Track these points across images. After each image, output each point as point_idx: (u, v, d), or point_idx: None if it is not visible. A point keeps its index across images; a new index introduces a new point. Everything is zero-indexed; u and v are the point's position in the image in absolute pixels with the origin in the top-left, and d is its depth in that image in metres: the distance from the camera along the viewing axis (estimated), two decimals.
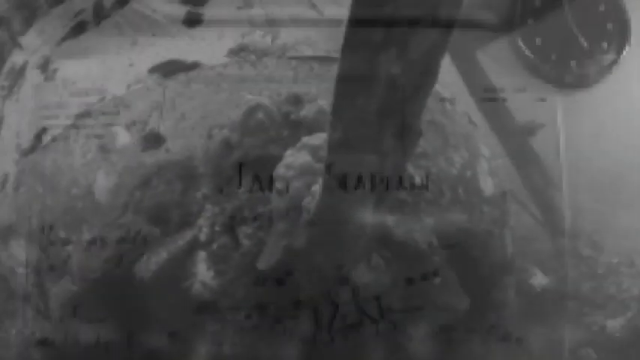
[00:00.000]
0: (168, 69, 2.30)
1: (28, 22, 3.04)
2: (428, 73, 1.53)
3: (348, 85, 1.44)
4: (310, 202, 1.75)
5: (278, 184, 1.87)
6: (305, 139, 1.91)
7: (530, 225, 3.99)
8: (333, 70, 2.31)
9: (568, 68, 3.06)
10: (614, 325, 4.32)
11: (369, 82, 1.44)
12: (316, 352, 2.10)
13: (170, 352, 2.27)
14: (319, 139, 1.88)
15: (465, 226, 2.28)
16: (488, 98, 2.50)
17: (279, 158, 1.98)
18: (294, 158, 1.85)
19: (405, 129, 1.62)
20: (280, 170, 1.87)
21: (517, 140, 4.66)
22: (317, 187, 1.75)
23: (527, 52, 3.09)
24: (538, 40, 2.81)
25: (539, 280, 4.59)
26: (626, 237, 5.93)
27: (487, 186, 2.38)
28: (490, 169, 2.43)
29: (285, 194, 1.84)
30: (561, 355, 4.57)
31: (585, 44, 2.99)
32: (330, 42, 2.36)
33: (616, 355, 4.37)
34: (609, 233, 5.51)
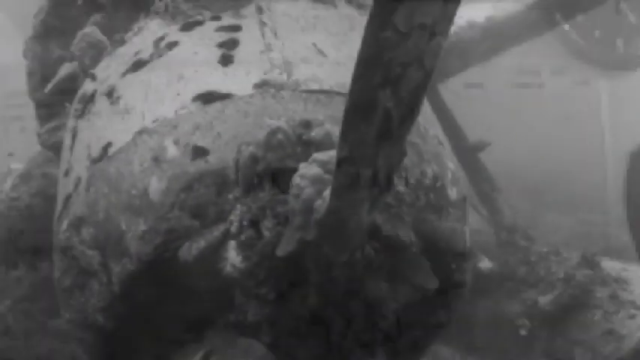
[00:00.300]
0: (207, 98, 2.23)
1: (96, 59, 3.01)
2: (413, 106, 1.53)
3: (354, 115, 1.43)
4: (321, 205, 1.72)
5: (294, 190, 1.80)
6: (315, 155, 1.85)
7: (479, 222, 3.99)
8: (335, 101, 2.30)
9: (614, 47, 2.77)
10: (544, 300, 4.31)
11: (370, 113, 1.43)
12: None
13: (205, 319, 2.25)
14: (327, 155, 1.81)
15: (435, 224, 2.28)
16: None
17: (294, 170, 1.90)
18: (307, 170, 1.77)
19: (394, 149, 1.61)
20: (296, 179, 1.79)
21: (469, 156, 4.68)
22: (327, 193, 1.74)
23: (567, 29, 2.71)
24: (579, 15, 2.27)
25: (485, 264, 4.60)
26: (553, 232, 5.91)
27: (452, 193, 2.34)
28: (454, 179, 2.41)
29: (299, 198, 1.77)
30: (502, 323, 4.58)
31: (634, 20, 2.70)
32: (332, 79, 2.31)
33: (545, 323, 4.38)
34: (540, 229, 5.51)
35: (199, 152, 2.11)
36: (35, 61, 3.64)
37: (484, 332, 4.66)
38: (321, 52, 2.43)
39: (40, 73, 3.64)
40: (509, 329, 4.50)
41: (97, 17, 3.41)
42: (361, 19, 2.75)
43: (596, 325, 4.04)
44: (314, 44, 2.46)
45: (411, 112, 1.51)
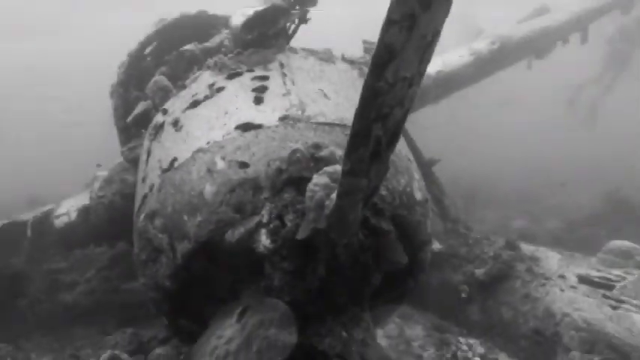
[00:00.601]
0: (245, 127, 2.22)
1: (164, 98, 2.95)
2: (396, 135, 1.55)
3: (355, 140, 1.45)
4: (329, 204, 1.71)
5: (309, 193, 1.81)
6: (325, 169, 1.86)
7: (433, 216, 3.97)
8: (336, 130, 2.29)
9: None
10: (480, 272, 4.26)
11: (366, 139, 1.45)
12: None
13: (240, 284, 2.20)
14: (333, 168, 1.83)
15: (407, 218, 2.26)
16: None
17: (309, 179, 1.89)
18: (319, 179, 1.80)
19: (381, 166, 1.63)
20: (310, 186, 1.81)
21: (425, 170, 4.67)
22: (334, 196, 1.74)
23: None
24: None
25: (436, 246, 4.58)
26: (483, 223, 5.84)
27: (418, 195, 2.35)
28: (419, 186, 2.41)
29: (313, 199, 1.78)
30: (449, 289, 4.55)
31: None
32: (334, 115, 2.28)
33: (480, 289, 4.35)
34: (475, 221, 5.51)
35: (241, 165, 2.10)
36: (119, 100, 3.66)
37: (435, 295, 4.64)
38: (325, 96, 2.41)
39: (123, 108, 3.65)
40: (454, 292, 4.48)
41: (162, 69, 3.42)
42: (352, 72, 2.76)
43: (517, 291, 4.00)
44: (320, 90, 2.44)
45: (394, 139, 1.53)
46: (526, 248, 4.32)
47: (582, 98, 14.90)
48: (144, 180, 2.53)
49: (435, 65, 4.97)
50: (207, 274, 2.22)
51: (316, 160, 1.99)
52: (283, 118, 2.23)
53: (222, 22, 3.76)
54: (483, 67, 5.23)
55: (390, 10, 1.17)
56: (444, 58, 5.01)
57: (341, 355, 2.00)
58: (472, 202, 8.26)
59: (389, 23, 1.19)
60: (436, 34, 1.34)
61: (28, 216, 4.53)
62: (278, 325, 1.94)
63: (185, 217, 2.14)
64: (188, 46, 3.43)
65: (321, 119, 2.24)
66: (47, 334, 4.59)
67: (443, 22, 1.33)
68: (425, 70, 1.45)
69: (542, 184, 10.10)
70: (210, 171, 2.14)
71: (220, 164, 2.13)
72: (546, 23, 6.14)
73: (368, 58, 2.88)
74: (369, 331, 2.16)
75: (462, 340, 3.80)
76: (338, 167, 1.87)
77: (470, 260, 4.49)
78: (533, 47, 5.99)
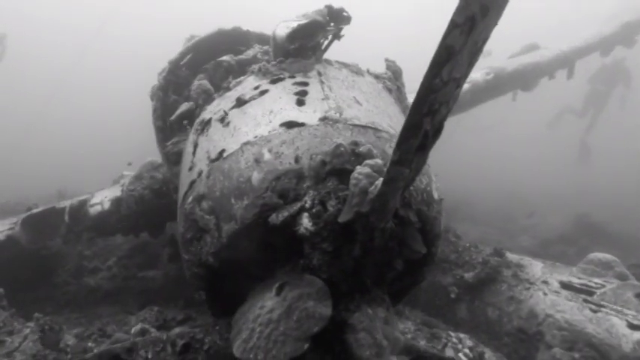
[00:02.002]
0: (289, 125, 2.25)
1: (206, 100, 3.04)
2: (439, 130, 1.62)
3: (408, 132, 1.51)
4: (373, 190, 1.75)
5: (353, 181, 1.85)
6: (367, 161, 1.90)
7: None
8: (369, 132, 2.33)
9: None
10: (469, 275, 4.33)
11: (417, 132, 1.51)
12: None
13: (277, 263, 2.21)
14: (374, 161, 1.89)
15: (426, 213, 2.27)
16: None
17: (350, 170, 1.95)
18: (362, 169, 1.84)
19: (422, 160, 1.68)
20: (355, 175, 1.85)
21: None
22: (378, 183, 1.77)
23: None
24: None
25: None
26: (467, 235, 5.86)
27: (435, 194, 2.41)
28: (436, 187, 2.48)
29: (357, 186, 1.81)
30: (439, 289, 4.59)
31: None
32: (366, 119, 2.33)
33: (468, 290, 4.40)
34: (465, 232, 5.56)
35: (287, 157, 2.15)
36: (158, 102, 3.68)
37: (425, 295, 4.68)
38: (358, 102, 2.46)
39: (161, 110, 3.68)
40: (443, 293, 4.53)
41: (201, 76, 3.47)
42: (378, 85, 2.84)
43: (503, 293, 4.06)
44: (354, 97, 2.49)
45: (437, 135, 1.59)
46: (511, 256, 4.39)
47: (561, 122, 15.05)
48: (191, 169, 2.54)
49: None
50: (247, 253, 2.23)
51: (356, 155, 2.04)
52: (323, 119, 2.27)
53: (254, 37, 3.84)
54: (479, 94, 5.36)
55: (456, 13, 1.23)
56: None
57: (367, 329, 2.03)
58: (454, 218, 8.38)
59: (453, 25, 1.24)
60: (484, 41, 1.41)
61: (65, 204, 4.52)
62: (315, 298, 1.98)
63: (232, 201, 2.16)
64: (225, 57, 3.50)
65: (356, 122, 2.29)
66: (74, 311, 4.62)
67: (491, 31, 1.41)
68: (468, 75, 1.53)
69: (517, 205, 10.25)
70: (257, 161, 2.17)
71: (267, 155, 2.17)
72: (536, 59, 6.34)
73: (390, 73, 2.96)
74: (390, 311, 2.20)
75: (452, 334, 3.83)
76: (378, 160, 1.93)
77: (459, 265, 4.55)
78: (523, 80, 6.17)
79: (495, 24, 1.40)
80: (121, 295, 5.15)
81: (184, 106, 3.03)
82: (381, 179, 1.74)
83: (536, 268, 4.11)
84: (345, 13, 2.63)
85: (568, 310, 3.50)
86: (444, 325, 4.42)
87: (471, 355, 3.52)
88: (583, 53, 7.68)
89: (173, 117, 3.09)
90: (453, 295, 4.39)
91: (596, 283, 3.69)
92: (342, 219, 1.88)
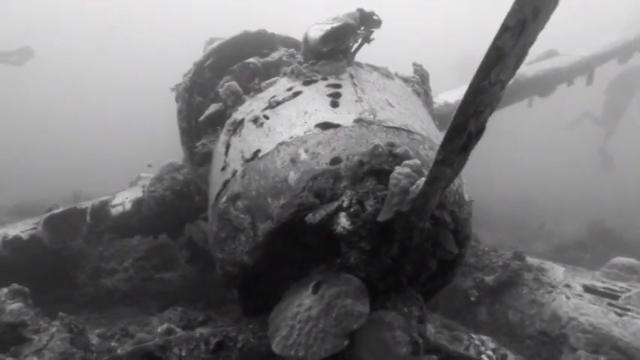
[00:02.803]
0: (324, 126, 2.30)
1: (235, 101, 3.09)
2: (482, 132, 1.67)
3: (453, 133, 1.55)
4: (414, 190, 1.80)
5: (393, 181, 1.90)
6: (406, 162, 1.95)
7: None
8: (402, 134, 2.39)
9: None
10: (489, 279, 4.36)
11: (462, 132, 1.56)
12: None
13: (312, 262, 2.26)
14: (413, 162, 1.94)
15: (458, 214, 2.30)
16: None
17: (388, 171, 2.00)
18: (402, 170, 1.90)
19: (463, 160, 1.72)
20: (394, 175, 1.90)
21: None
22: (419, 182, 1.81)
23: None
24: None
25: None
26: (482, 240, 5.87)
27: (466, 196, 2.45)
28: (466, 189, 2.52)
29: (397, 185, 1.86)
30: (458, 292, 4.61)
31: None
32: (399, 121, 2.38)
33: (488, 293, 4.43)
34: (483, 237, 5.59)
35: (323, 158, 2.19)
36: (184, 104, 3.74)
37: (446, 298, 4.70)
38: (390, 105, 2.51)
39: (186, 111, 3.75)
40: (462, 296, 4.56)
41: (227, 78, 3.53)
42: (407, 88, 2.90)
43: (524, 296, 4.09)
44: (386, 99, 2.55)
45: (479, 136, 1.65)
46: (532, 260, 4.41)
47: (580, 126, 14.91)
48: (224, 169, 2.60)
49: (456, 95, 5.14)
50: (281, 252, 2.28)
51: (393, 156, 2.08)
52: (358, 121, 2.32)
53: (279, 40, 3.91)
54: None
55: (508, 16, 1.27)
56: (462, 90, 5.15)
57: (403, 327, 2.08)
58: (478, 224, 8.36)
59: (505, 28, 1.29)
60: (530, 44, 1.46)
61: (86, 204, 4.60)
62: (353, 296, 2.02)
63: (269, 200, 2.21)
64: (251, 59, 3.54)
65: (390, 124, 2.34)
66: (94, 311, 4.68)
67: (537, 35, 1.46)
68: (511, 77, 1.58)
69: (530, 211, 10.25)
70: (293, 161, 2.22)
71: (303, 155, 2.22)
72: (556, 65, 6.39)
73: (417, 77, 3.02)
74: (423, 310, 2.24)
75: (474, 336, 3.85)
76: (417, 161, 1.99)
77: (479, 268, 4.58)
78: (542, 86, 6.22)
79: (542, 27, 1.45)
80: (139, 296, 5.21)
81: (213, 107, 3.08)
82: (422, 179, 1.79)
83: (557, 272, 4.13)
84: (375, 17, 2.69)
85: (592, 313, 3.52)
86: (464, 327, 4.45)
87: (494, 357, 3.54)
88: (604, 59, 7.68)
89: (202, 118, 3.14)
90: (472, 298, 4.42)
91: (620, 287, 3.71)
92: (381, 218, 1.93)
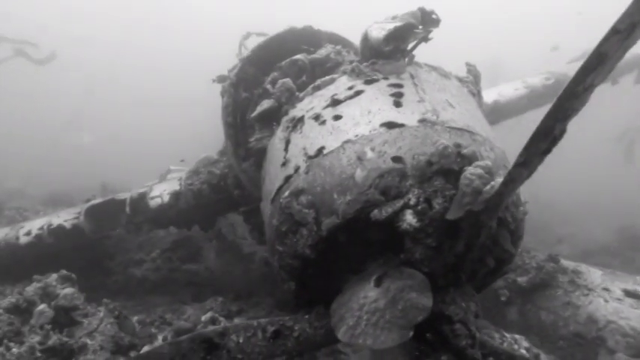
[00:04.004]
0: (390, 125, 2.38)
1: (289, 98, 3.15)
2: (561, 136, 1.75)
3: (539, 135, 1.64)
4: (489, 190, 1.90)
5: (465, 181, 1.99)
6: (477, 163, 2.05)
7: None
8: (465, 135, 2.45)
9: None
10: (522, 279, 4.44)
11: (547, 136, 1.66)
12: None
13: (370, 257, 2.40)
14: (484, 163, 2.05)
15: (515, 215, 2.39)
16: None
17: (456, 170, 2.11)
18: (474, 170, 2.00)
19: (539, 163, 1.78)
20: (467, 175, 2.00)
21: None
22: (494, 182, 1.91)
23: None
24: None
25: None
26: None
27: (522, 197, 2.50)
28: (522, 190, 2.56)
29: (470, 186, 1.97)
30: (488, 292, 4.65)
31: None
32: (461, 122, 2.47)
33: (519, 294, 4.50)
34: None
35: (391, 155, 2.29)
36: (230, 99, 3.84)
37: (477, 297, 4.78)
38: (451, 105, 2.60)
39: (232, 106, 3.84)
40: (492, 295, 4.63)
41: (275, 74, 3.63)
42: (463, 89, 2.98)
43: (559, 298, 4.16)
44: (447, 100, 2.63)
45: (560, 139, 1.73)
46: (567, 263, 4.49)
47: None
48: (284, 164, 2.68)
49: (490, 95, 5.22)
50: (342, 247, 2.39)
51: (461, 157, 2.18)
52: (422, 121, 2.41)
53: (325, 37, 3.99)
54: (535, 100, 5.46)
55: (619, 20, 1.30)
56: (500, 90, 5.25)
57: (462, 321, 2.20)
58: None
59: (614, 32, 1.33)
60: (627, 49, 1.45)
61: (124, 195, 4.76)
62: (417, 290, 2.15)
63: (335, 196, 2.31)
64: (299, 56, 3.62)
65: (453, 124, 2.43)
66: (129, 299, 4.88)
67: (635, 42, 1.49)
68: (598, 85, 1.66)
69: (551, 213, 10.27)
70: (360, 159, 2.31)
71: (370, 154, 2.31)
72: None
73: (471, 77, 3.10)
74: (478, 306, 2.36)
75: (506, 334, 3.95)
76: (488, 162, 2.09)
77: (511, 269, 4.65)
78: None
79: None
80: (170, 285, 5.42)
81: (266, 104, 3.15)
82: (498, 180, 1.90)
83: (594, 275, 4.21)
84: (434, 16, 2.75)
85: (634, 317, 3.61)
86: (494, 327, 4.54)
87: (527, 355, 3.65)
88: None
89: (254, 114, 3.23)
90: (503, 298, 4.48)
91: None
92: (451, 216, 2.04)
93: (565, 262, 4.46)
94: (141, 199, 4.67)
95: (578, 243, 8.41)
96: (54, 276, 3.73)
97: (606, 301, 3.87)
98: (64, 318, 3.46)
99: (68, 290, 3.55)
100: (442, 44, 2.90)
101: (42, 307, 3.50)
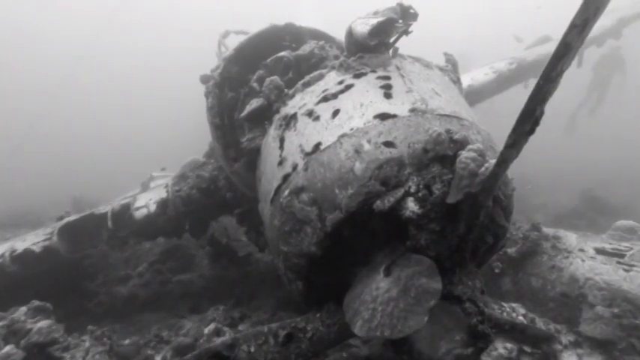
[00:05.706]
0: (383, 117, 2.44)
1: (278, 96, 3.05)
2: (540, 117, 1.86)
3: (524, 117, 1.75)
4: (484, 172, 2.00)
5: (461, 165, 2.08)
6: (470, 146, 2.14)
7: None
8: (453, 121, 2.50)
9: None
10: (511, 251, 4.65)
11: (530, 118, 1.78)
12: None
13: (376, 247, 2.44)
14: (476, 146, 2.14)
15: (505, 191, 2.56)
16: None
17: (450, 156, 2.20)
18: (468, 154, 2.10)
19: (524, 143, 1.88)
20: (462, 159, 2.09)
21: None
22: (488, 165, 2.01)
23: None
24: None
25: None
26: None
27: (509, 175, 2.63)
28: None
29: (466, 169, 2.06)
30: (484, 266, 4.87)
31: None
32: (448, 109, 2.56)
33: (511, 264, 4.70)
34: None
35: (388, 145, 2.35)
36: (215, 100, 3.79)
37: None
38: (437, 93, 2.68)
39: (218, 107, 3.79)
40: (487, 268, 4.84)
41: (260, 72, 3.63)
42: (445, 77, 3.08)
43: (545, 264, 4.42)
44: (432, 88, 2.71)
45: (540, 120, 1.85)
46: (547, 230, 4.76)
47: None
48: (281, 163, 2.70)
49: (466, 79, 5.40)
50: (347, 241, 2.44)
51: (454, 142, 2.28)
52: (412, 110, 2.48)
53: (307, 32, 4.00)
54: (503, 83, 5.83)
55: (576, 15, 1.50)
56: (472, 75, 5.46)
57: (471, 299, 2.31)
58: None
59: (572, 26, 1.52)
60: (583, 41, 1.65)
61: (105, 209, 4.59)
62: (426, 275, 2.23)
63: (336, 191, 2.35)
64: (284, 53, 3.61)
65: (441, 112, 2.52)
66: (116, 321, 4.58)
67: (591, 30, 1.67)
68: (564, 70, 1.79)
69: (523, 185, 10.72)
70: (357, 152, 2.36)
71: (367, 146, 2.37)
72: (550, 50, 6.75)
73: (450, 66, 3.22)
74: (482, 283, 2.49)
75: (504, 304, 4.17)
76: (480, 145, 2.20)
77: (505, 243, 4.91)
78: (541, 69, 6.58)
79: (594, 24, 1.67)
80: (163, 300, 5.18)
81: (256, 103, 3.13)
82: (491, 162, 2.01)
83: (571, 238, 4.52)
84: (412, 11, 2.84)
85: (605, 272, 3.99)
86: (491, 298, 4.75)
87: (525, 321, 3.89)
88: (592, 42, 8.23)
89: (244, 114, 3.20)
90: (497, 270, 4.70)
91: (625, 247, 4.25)
92: (451, 200, 2.14)
93: (545, 230, 4.73)
94: (124, 211, 4.53)
95: (550, 210, 8.86)
96: (22, 309, 3.36)
97: (583, 260, 4.20)
98: (39, 357, 3.12)
99: (43, 323, 3.20)
100: (413, 37, 2.99)
101: (7, 349, 3.07)
